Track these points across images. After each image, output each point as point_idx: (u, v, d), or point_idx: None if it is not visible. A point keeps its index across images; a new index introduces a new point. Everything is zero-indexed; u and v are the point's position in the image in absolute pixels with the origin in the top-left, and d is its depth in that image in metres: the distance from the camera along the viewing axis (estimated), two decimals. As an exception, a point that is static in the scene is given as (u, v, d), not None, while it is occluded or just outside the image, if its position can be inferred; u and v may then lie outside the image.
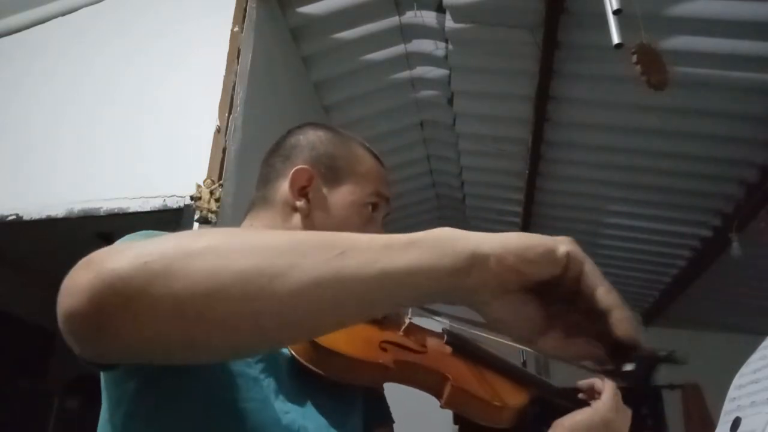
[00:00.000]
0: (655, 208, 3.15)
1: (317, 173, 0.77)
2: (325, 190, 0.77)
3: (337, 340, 0.69)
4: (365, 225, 0.78)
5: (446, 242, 0.39)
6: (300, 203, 0.75)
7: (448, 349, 0.80)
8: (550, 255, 0.40)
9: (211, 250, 0.38)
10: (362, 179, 0.79)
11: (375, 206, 0.79)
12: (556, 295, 0.41)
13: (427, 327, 0.85)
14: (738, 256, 2.79)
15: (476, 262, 0.39)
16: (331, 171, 0.78)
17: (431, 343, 0.80)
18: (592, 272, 0.40)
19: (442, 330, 0.82)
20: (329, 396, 0.70)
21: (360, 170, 0.79)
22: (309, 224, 0.75)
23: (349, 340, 0.70)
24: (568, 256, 0.40)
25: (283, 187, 0.77)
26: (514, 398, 0.79)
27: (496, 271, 0.39)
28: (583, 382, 0.85)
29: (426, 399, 0.78)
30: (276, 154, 0.81)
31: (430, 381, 0.75)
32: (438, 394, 0.75)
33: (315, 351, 0.67)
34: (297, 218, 0.76)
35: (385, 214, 0.81)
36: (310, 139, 0.80)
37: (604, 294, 0.40)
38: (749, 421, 0.72)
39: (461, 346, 0.82)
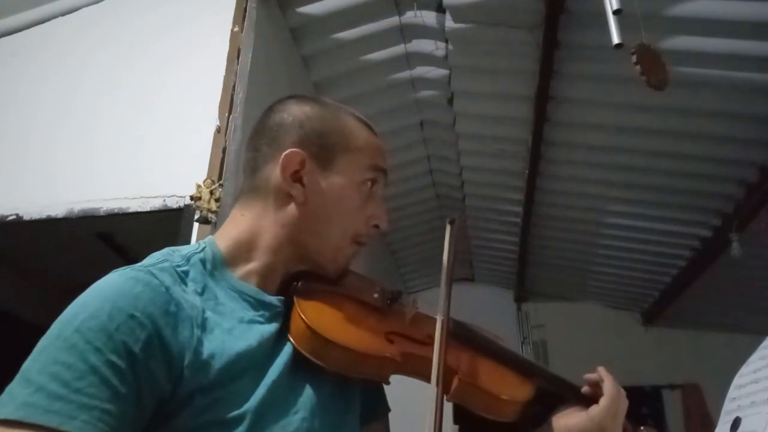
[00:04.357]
0: (655, 208, 3.14)
1: (309, 154, 0.71)
2: (319, 172, 0.71)
3: (341, 330, 0.65)
4: (365, 203, 0.74)
5: None
6: (295, 190, 0.70)
7: (454, 339, 0.76)
8: None
9: None
10: (358, 154, 0.73)
11: (374, 181, 0.75)
12: None
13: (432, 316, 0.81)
14: (738, 256, 2.79)
15: None
16: (324, 150, 0.72)
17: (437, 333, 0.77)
18: None
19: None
20: (330, 390, 0.67)
21: (354, 145, 0.73)
22: (306, 211, 0.71)
23: (353, 330, 0.67)
24: None
25: (274, 174, 0.70)
26: (521, 391, 0.77)
27: None
28: (590, 376, 0.82)
29: (422, 397, 0.75)
30: (261, 135, 0.74)
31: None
32: (445, 388, 0.72)
33: (316, 341, 0.64)
34: (292, 207, 0.70)
35: (384, 186, 0.77)
36: (296, 116, 0.73)
37: None
38: (749, 421, 0.72)
39: (466, 336, 0.79)
